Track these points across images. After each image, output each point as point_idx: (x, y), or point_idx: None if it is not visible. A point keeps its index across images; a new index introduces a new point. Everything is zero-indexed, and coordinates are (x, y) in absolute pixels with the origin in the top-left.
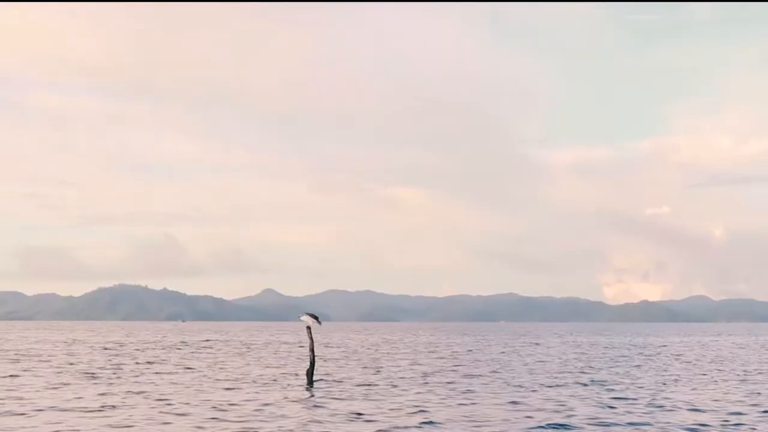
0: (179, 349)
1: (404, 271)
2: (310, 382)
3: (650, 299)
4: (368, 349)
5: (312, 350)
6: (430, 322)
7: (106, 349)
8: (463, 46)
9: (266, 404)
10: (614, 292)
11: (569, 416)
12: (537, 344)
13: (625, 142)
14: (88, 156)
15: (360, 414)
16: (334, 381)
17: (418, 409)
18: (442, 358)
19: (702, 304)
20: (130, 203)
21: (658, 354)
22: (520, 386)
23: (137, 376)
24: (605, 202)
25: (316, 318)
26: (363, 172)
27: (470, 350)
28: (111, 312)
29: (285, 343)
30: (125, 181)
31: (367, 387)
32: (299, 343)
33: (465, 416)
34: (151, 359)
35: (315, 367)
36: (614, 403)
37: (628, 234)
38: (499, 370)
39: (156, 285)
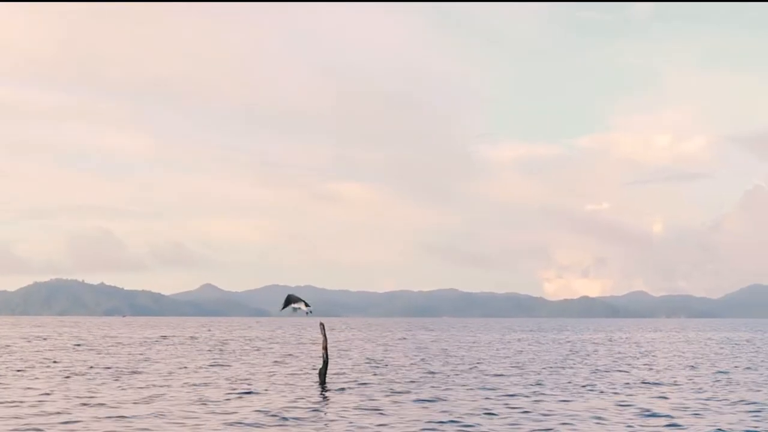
0: (155, 346)
1: (345, 267)
2: (323, 382)
3: (590, 295)
4: (357, 346)
5: (325, 348)
6: (373, 317)
7: (78, 345)
8: (406, 42)
9: (326, 408)
10: (555, 288)
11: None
12: (519, 340)
13: (566, 139)
14: (23, 148)
15: (457, 421)
16: (358, 383)
17: (493, 415)
18: (444, 355)
19: (642, 300)
20: (67, 197)
21: (657, 351)
22: (584, 386)
23: (141, 376)
24: (546, 198)
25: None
26: (304, 167)
27: (460, 346)
28: (46, 307)
29: (259, 338)
30: (63, 175)
31: (406, 385)
32: (271, 339)
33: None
34: (140, 358)
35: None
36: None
37: (569, 230)
38: (529, 369)
39: (93, 280)
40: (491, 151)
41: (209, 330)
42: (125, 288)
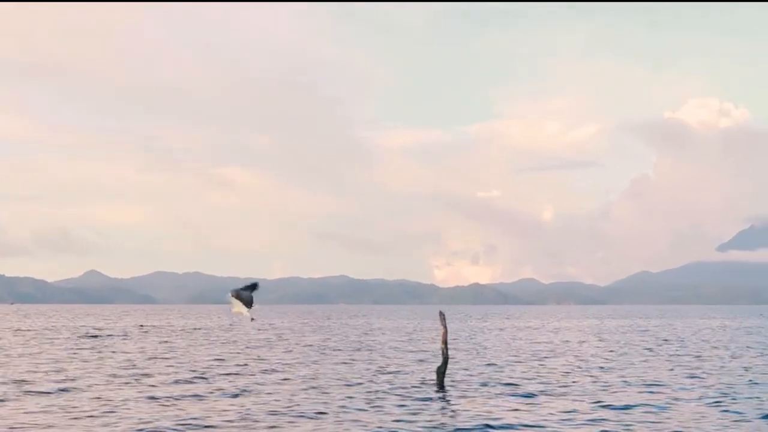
0: (145, 339)
1: (234, 253)
2: (441, 384)
3: (481, 282)
4: (376, 338)
5: (445, 343)
6: (264, 305)
7: (91, 336)
8: (294, 28)
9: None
10: (445, 275)
11: None
12: (484, 330)
13: (456, 126)
14: None
15: None
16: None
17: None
18: (457, 347)
19: (532, 287)
20: None
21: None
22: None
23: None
24: (437, 185)
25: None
26: (192, 152)
27: (457, 338)
28: None
29: (206, 327)
30: None
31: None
32: (243, 327)
33: None
34: (153, 354)
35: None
36: None
37: (460, 217)
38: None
39: None
40: (382, 138)
41: (148, 319)
42: (6, 275)
